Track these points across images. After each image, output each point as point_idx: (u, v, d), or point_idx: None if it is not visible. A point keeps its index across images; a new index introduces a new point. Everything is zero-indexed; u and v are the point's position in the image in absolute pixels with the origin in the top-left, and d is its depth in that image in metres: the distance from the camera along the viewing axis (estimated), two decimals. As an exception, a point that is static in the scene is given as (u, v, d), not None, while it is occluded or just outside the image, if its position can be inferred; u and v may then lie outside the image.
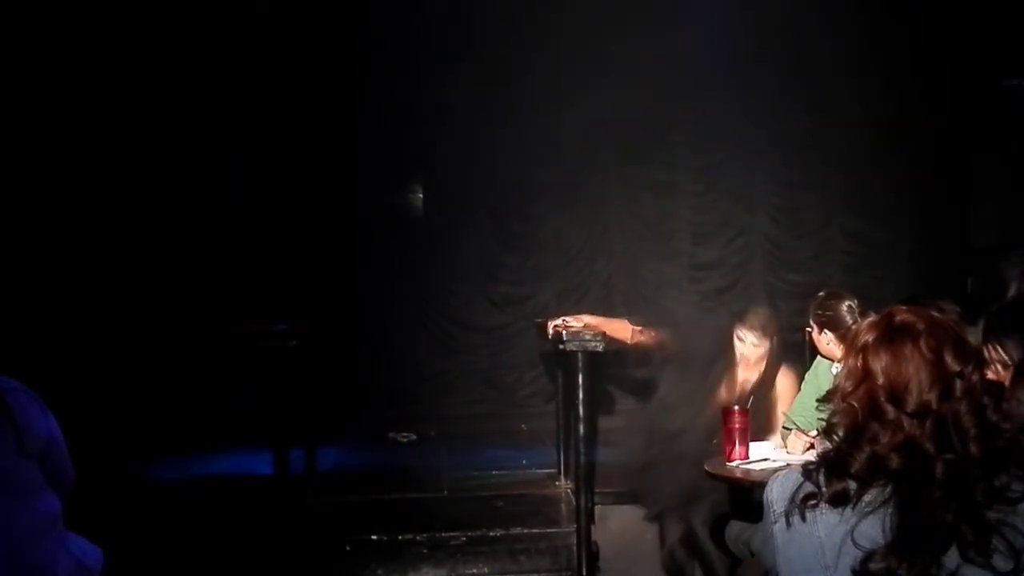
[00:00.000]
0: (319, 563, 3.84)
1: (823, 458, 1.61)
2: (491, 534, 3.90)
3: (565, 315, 3.96)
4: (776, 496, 1.63)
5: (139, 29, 5.44)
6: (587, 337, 3.68)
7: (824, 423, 1.65)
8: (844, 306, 3.34)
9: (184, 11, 5.48)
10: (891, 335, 1.61)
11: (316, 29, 5.85)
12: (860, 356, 1.62)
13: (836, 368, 3.40)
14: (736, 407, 3.53)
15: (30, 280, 4.94)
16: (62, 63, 5.29)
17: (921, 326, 1.60)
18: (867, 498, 1.54)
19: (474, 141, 5.87)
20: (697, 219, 6.53)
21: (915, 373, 1.57)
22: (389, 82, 5.87)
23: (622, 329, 3.81)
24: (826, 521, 1.56)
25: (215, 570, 3.82)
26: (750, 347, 3.62)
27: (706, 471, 3.35)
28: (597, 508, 3.85)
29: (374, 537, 3.88)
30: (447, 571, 3.88)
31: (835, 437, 1.60)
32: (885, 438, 1.55)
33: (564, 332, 3.71)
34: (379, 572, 3.86)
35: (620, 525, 3.90)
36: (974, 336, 2.13)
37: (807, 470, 1.61)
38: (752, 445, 3.66)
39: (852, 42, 6.18)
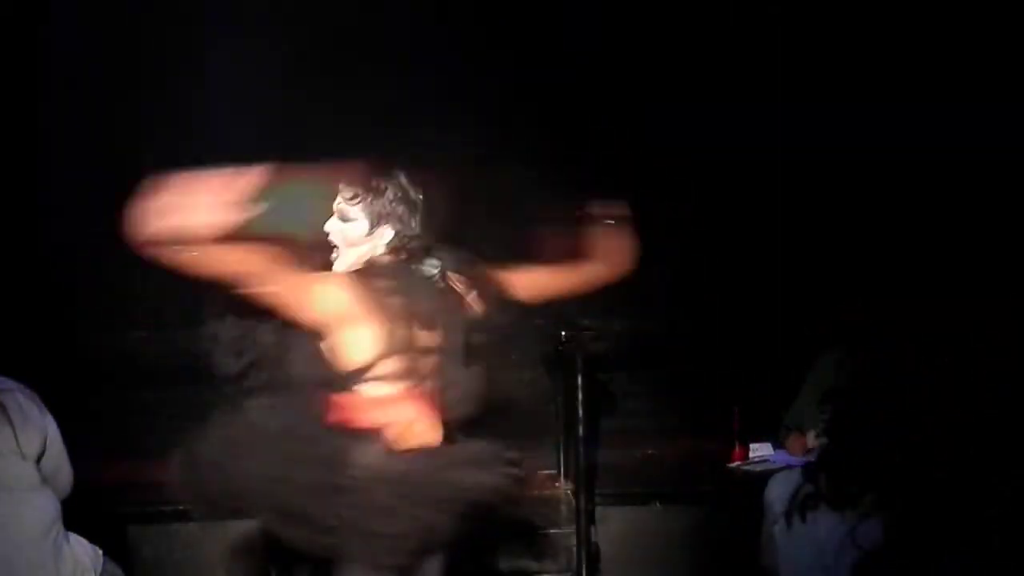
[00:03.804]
0: (318, 563, 3.84)
1: (824, 459, 1.61)
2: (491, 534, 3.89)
3: None
4: (776, 496, 1.63)
5: None
6: (587, 337, 3.68)
7: (825, 423, 1.65)
8: None
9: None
10: (892, 334, 1.61)
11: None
12: (860, 356, 1.62)
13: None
14: (736, 407, 3.53)
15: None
16: None
17: (922, 325, 1.61)
18: (868, 498, 1.54)
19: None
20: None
21: (917, 373, 1.57)
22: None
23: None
24: (827, 521, 1.56)
25: (215, 570, 3.82)
26: None
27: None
28: (597, 509, 3.84)
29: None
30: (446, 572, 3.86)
31: (836, 437, 1.61)
32: (886, 438, 1.56)
33: (563, 333, 3.70)
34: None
35: (620, 526, 3.89)
36: None
37: (808, 471, 1.61)
38: (752, 446, 3.67)
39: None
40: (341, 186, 2.54)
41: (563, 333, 3.72)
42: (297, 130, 4.90)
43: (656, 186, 5.19)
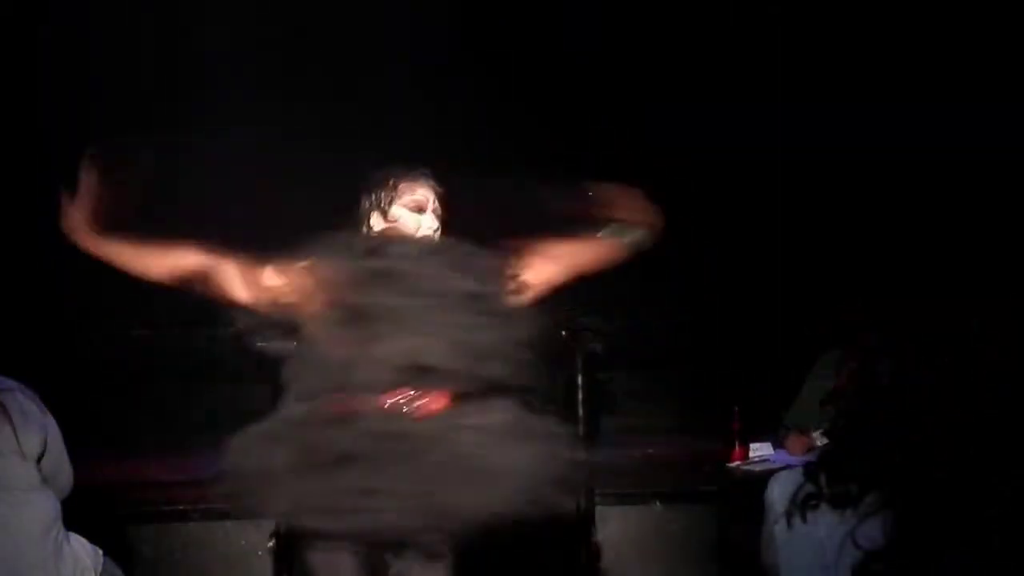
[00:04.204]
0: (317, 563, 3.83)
1: (825, 458, 1.61)
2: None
3: None
4: (777, 496, 1.63)
5: None
6: (587, 337, 3.68)
7: (826, 423, 1.66)
8: None
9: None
10: (894, 336, 1.61)
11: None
12: (864, 357, 1.62)
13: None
14: (736, 407, 3.53)
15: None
16: None
17: (924, 327, 1.61)
18: (869, 499, 1.54)
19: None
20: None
21: (917, 373, 1.57)
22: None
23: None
24: (827, 521, 1.56)
25: (215, 570, 3.82)
26: None
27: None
28: (597, 508, 3.85)
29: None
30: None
31: (837, 437, 1.61)
32: (887, 439, 1.56)
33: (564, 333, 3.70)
34: (379, 572, 3.84)
35: (620, 526, 3.90)
36: None
37: (809, 470, 1.61)
38: (752, 445, 3.67)
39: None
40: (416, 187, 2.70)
41: (563, 333, 3.72)
42: (296, 130, 4.91)
43: (656, 186, 5.20)
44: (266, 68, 5.00)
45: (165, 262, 2.58)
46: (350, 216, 2.78)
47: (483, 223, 2.76)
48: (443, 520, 2.37)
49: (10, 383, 2.57)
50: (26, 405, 2.54)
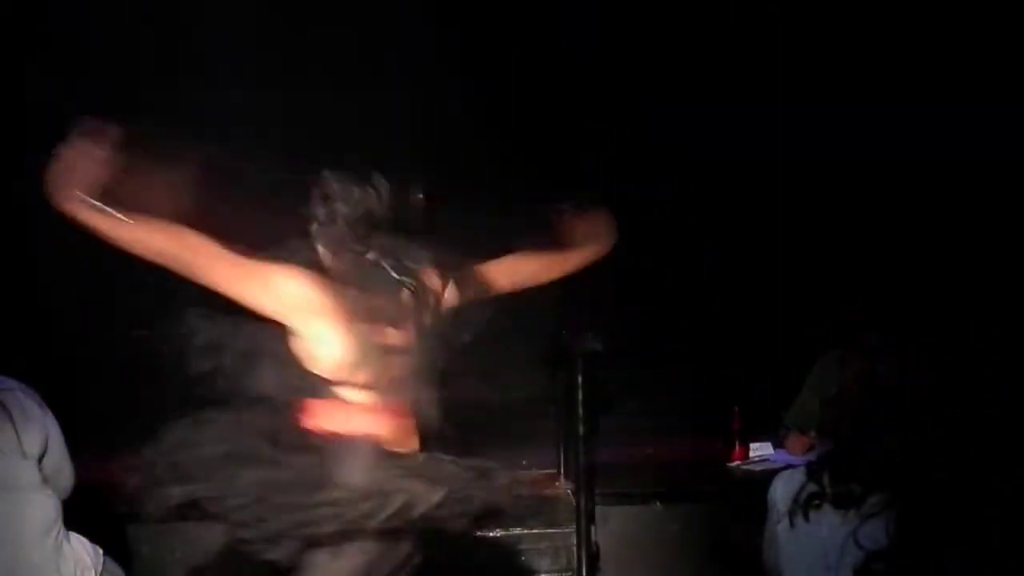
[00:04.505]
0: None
1: (827, 459, 1.62)
2: (491, 534, 3.89)
3: None
4: (780, 496, 1.64)
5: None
6: (587, 337, 3.68)
7: (826, 423, 1.66)
8: None
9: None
10: (895, 336, 1.62)
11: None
12: (866, 358, 1.63)
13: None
14: (736, 407, 3.53)
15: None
16: None
17: (927, 328, 1.61)
18: (871, 499, 1.54)
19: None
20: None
21: (917, 373, 1.58)
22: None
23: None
24: (830, 521, 1.57)
25: (215, 570, 3.82)
26: None
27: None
28: (597, 508, 3.85)
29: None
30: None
31: (839, 438, 1.61)
32: (889, 440, 1.56)
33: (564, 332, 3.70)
34: (379, 572, 3.84)
35: (620, 526, 3.90)
36: None
37: (811, 470, 1.62)
38: (752, 445, 3.67)
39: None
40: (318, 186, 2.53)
41: (563, 333, 3.72)
42: (296, 127, 4.90)
43: (656, 186, 5.19)
44: (266, 68, 5.00)
45: (140, 231, 2.43)
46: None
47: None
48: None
49: (11, 383, 2.57)
50: (27, 404, 2.53)
